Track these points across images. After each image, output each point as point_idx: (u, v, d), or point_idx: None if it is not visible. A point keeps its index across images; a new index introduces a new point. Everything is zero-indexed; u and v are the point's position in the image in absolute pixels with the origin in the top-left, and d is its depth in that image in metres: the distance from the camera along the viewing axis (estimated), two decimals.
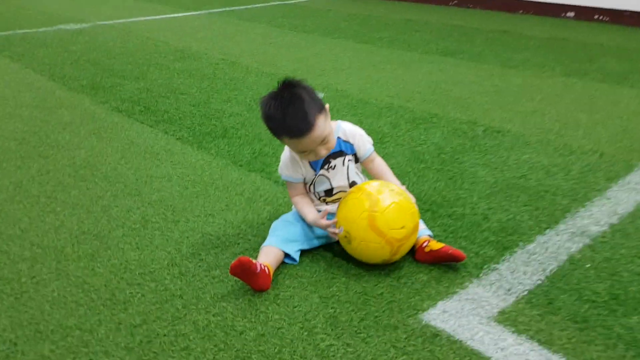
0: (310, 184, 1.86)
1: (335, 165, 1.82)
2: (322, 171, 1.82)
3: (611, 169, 2.40)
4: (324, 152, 1.72)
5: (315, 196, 1.88)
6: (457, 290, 1.65)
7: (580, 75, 3.80)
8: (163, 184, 2.32)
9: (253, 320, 1.53)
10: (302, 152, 1.72)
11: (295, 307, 1.58)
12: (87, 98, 3.40)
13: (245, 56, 4.39)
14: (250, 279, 1.61)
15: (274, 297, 1.62)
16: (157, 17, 6.12)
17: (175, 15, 6.28)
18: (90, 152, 2.64)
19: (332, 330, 1.49)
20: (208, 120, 3.01)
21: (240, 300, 1.61)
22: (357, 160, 1.89)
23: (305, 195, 1.88)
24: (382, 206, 1.66)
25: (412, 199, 1.77)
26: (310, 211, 1.82)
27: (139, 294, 1.64)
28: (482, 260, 1.79)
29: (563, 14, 5.84)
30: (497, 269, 1.75)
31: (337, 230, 1.73)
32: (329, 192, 1.86)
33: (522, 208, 2.10)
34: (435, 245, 1.75)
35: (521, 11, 6.13)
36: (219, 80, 3.76)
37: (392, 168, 1.93)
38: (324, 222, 1.76)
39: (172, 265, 1.78)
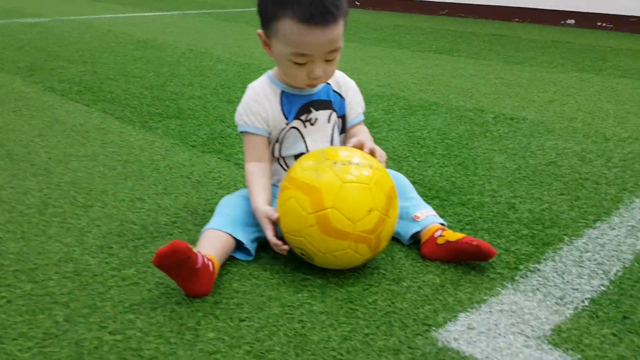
0: (276, 142, 1.31)
1: (316, 120, 1.31)
2: (295, 122, 1.29)
3: None
4: (321, 71, 1.20)
5: (281, 164, 1.33)
6: (485, 298, 1.11)
7: (596, 71, 3.34)
8: (84, 163, 1.76)
9: (173, 340, 0.97)
10: (297, 58, 1.18)
11: (243, 322, 1.02)
12: (20, 78, 2.84)
13: (217, 48, 3.88)
14: (184, 277, 1.05)
15: (210, 307, 1.06)
16: (125, 14, 5.62)
17: (146, 14, 5.78)
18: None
19: (297, 356, 0.94)
20: (160, 102, 2.47)
21: (159, 310, 1.05)
22: (343, 126, 1.37)
23: (264, 163, 1.30)
24: (330, 196, 1.08)
25: (379, 154, 1.23)
26: (260, 198, 1.23)
27: (4, 300, 1.07)
28: (516, 258, 1.26)
29: (562, 22, 5.46)
30: (538, 270, 1.21)
31: (284, 248, 1.16)
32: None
33: (558, 197, 1.58)
34: (453, 235, 1.22)
35: (517, 19, 5.74)
36: (183, 66, 3.23)
37: (387, 153, 1.36)
38: (269, 229, 1.17)
39: (65, 261, 1.21)
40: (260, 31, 1.23)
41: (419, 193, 1.40)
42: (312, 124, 1.30)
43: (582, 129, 2.19)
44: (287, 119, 1.29)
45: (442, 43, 4.33)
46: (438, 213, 1.36)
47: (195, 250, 1.07)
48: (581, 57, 3.79)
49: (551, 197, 1.58)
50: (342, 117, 1.36)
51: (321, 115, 1.31)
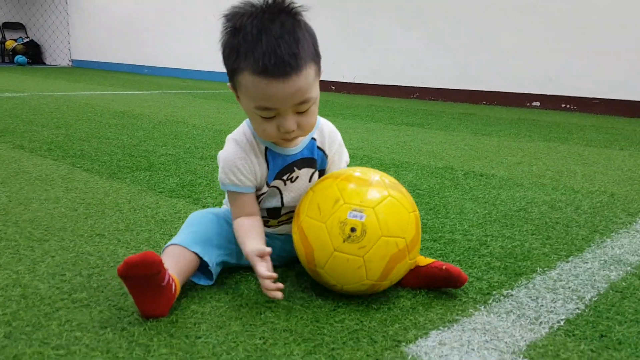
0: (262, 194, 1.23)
1: (297, 178, 1.22)
2: (276, 182, 1.21)
3: (630, 205, 1.92)
4: (293, 124, 1.08)
5: None
6: (457, 318, 1.06)
7: (562, 141, 3.44)
8: (45, 205, 1.70)
9: (121, 355, 0.89)
10: (262, 111, 1.07)
11: (199, 339, 0.95)
12: None
13: (194, 118, 3.93)
14: (147, 294, 0.98)
15: (165, 326, 0.99)
16: (105, 92, 5.71)
17: (126, 92, 5.89)
18: None
19: None
20: (132, 158, 2.45)
21: (109, 329, 0.97)
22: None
23: (255, 216, 1.20)
24: (321, 259, 1.08)
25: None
26: (251, 240, 1.13)
27: None
28: (489, 285, 1.22)
29: (528, 104, 5.69)
30: (511, 295, 1.17)
31: (278, 295, 1.04)
32: (274, 212, 1.26)
33: (530, 237, 1.56)
34: (423, 260, 1.18)
35: (484, 102, 5.98)
36: (158, 131, 3.24)
37: None
38: (261, 268, 1.05)
39: (12, 286, 1.13)
40: (228, 84, 1.13)
41: None
42: (292, 182, 1.22)
43: (551, 184, 2.22)
44: (268, 179, 1.20)
45: (413, 119, 4.45)
46: None
47: (166, 267, 1.01)
48: (547, 130, 3.92)
49: (522, 237, 1.56)
50: (321, 171, 1.27)
51: (303, 173, 1.23)
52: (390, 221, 1.07)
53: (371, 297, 1.13)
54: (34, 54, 12.29)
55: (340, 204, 1.07)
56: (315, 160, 1.24)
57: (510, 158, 2.79)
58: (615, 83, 5.13)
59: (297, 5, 1.05)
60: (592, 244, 1.52)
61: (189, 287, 1.14)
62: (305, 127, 1.11)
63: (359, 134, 3.51)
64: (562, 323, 1.05)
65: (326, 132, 1.26)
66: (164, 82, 7.46)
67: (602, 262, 1.38)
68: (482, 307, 1.11)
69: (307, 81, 1.05)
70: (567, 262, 1.38)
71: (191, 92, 6.40)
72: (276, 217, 1.27)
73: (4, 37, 12.60)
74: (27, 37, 12.68)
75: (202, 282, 1.16)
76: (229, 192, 1.21)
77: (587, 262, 1.38)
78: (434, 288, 1.17)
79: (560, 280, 1.25)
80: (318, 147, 1.25)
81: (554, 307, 1.11)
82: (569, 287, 1.22)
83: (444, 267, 1.14)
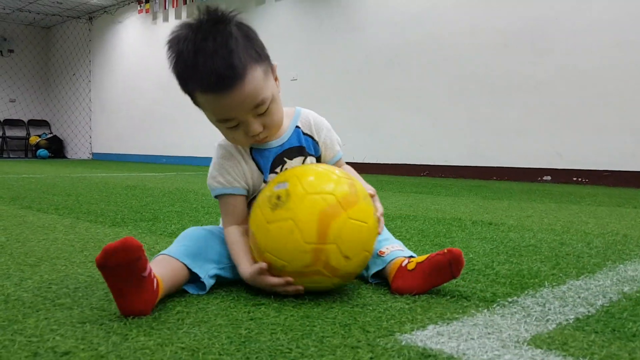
0: (253, 199, 1.23)
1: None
2: (271, 176, 1.21)
3: None
4: (258, 127, 1.12)
5: None
6: (457, 316, 0.99)
7: (574, 202, 3.39)
8: (42, 243, 1.69)
9: (96, 341, 0.84)
10: (224, 123, 1.12)
11: (181, 329, 0.90)
12: None
13: (205, 189, 3.96)
14: (127, 286, 0.93)
15: (146, 320, 0.94)
16: (121, 174, 5.83)
17: (140, 174, 6.00)
18: None
19: (238, 351, 0.81)
20: (137, 214, 2.45)
21: (87, 324, 0.92)
22: None
23: (245, 225, 1.19)
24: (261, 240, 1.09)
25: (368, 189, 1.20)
26: (245, 260, 1.15)
27: None
28: (493, 294, 1.15)
29: (539, 178, 5.68)
30: (517, 302, 1.10)
31: (301, 288, 1.07)
32: None
33: (539, 263, 1.50)
34: (421, 258, 1.14)
35: (495, 177, 5.98)
36: (167, 197, 3.26)
37: None
38: (269, 279, 1.08)
39: None
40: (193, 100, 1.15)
41: None
42: None
43: (562, 229, 2.16)
44: (264, 174, 1.21)
45: (422, 189, 4.45)
46: None
47: (146, 258, 0.97)
48: (559, 197, 3.88)
49: (531, 263, 1.50)
50: (318, 158, 1.29)
51: (295, 162, 1.24)
52: (316, 182, 1.07)
53: (366, 300, 1.07)
54: (56, 148, 12.73)
55: (269, 186, 1.11)
56: (303, 147, 1.25)
57: (520, 213, 2.74)
58: (625, 155, 5.13)
59: (228, 12, 1.09)
60: (604, 268, 1.45)
61: (177, 295, 1.10)
62: (271, 125, 1.15)
63: None
64: (571, 321, 0.98)
65: (310, 119, 1.28)
66: (181, 168, 7.62)
67: (615, 280, 1.31)
68: (486, 310, 1.04)
69: (254, 85, 1.08)
70: (578, 279, 1.31)
71: (207, 173, 6.50)
72: None
73: (28, 133, 13.12)
74: (51, 133, 13.19)
75: (192, 290, 1.12)
76: (219, 198, 1.20)
77: (599, 280, 1.31)
78: (437, 285, 1.11)
79: (570, 291, 1.19)
80: (305, 134, 1.26)
81: (563, 310, 1.05)
82: (579, 297, 1.15)
83: (445, 250, 1.10)
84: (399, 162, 6.84)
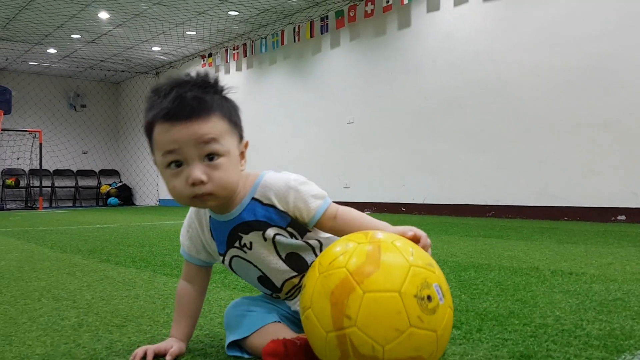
0: (231, 269, 1.22)
1: (251, 243, 1.16)
2: (233, 250, 1.17)
3: None
4: (199, 174, 1.03)
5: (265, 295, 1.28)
6: None
7: None
8: (125, 301, 1.74)
9: None
10: (167, 157, 1.05)
11: None
12: (79, 256, 2.97)
13: None
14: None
15: None
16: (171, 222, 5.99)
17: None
18: (52, 283, 2.11)
19: None
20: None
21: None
22: (301, 230, 1.17)
23: (195, 286, 1.25)
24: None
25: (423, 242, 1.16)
26: (177, 325, 1.22)
27: None
28: None
29: (613, 218, 5.42)
30: None
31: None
32: (269, 284, 1.20)
33: (631, 321, 1.42)
34: None
35: (565, 218, 5.76)
36: None
37: None
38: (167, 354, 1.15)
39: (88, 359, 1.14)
40: (153, 157, 1.11)
41: (472, 320, 1.31)
42: (249, 248, 1.16)
43: None
44: (219, 247, 1.19)
45: (490, 232, 4.33)
46: (497, 336, 1.25)
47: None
48: (637, 239, 3.68)
49: (622, 321, 1.42)
50: (293, 224, 1.16)
51: (253, 237, 1.15)
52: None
53: None
54: (125, 196, 13.28)
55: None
56: (260, 222, 1.14)
57: (600, 259, 2.61)
58: None
59: (221, 84, 1.10)
60: None
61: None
62: (216, 181, 1.05)
63: (433, 244, 3.43)
64: None
65: (271, 186, 1.15)
66: None
67: None
68: None
69: (213, 129, 1.04)
70: None
71: None
72: (275, 290, 1.21)
73: (99, 182, 13.78)
74: (120, 182, 13.80)
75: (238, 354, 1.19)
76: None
77: None
78: None
79: None
80: (266, 204, 1.14)
81: None
82: None
83: None
84: (462, 203, 6.71)
